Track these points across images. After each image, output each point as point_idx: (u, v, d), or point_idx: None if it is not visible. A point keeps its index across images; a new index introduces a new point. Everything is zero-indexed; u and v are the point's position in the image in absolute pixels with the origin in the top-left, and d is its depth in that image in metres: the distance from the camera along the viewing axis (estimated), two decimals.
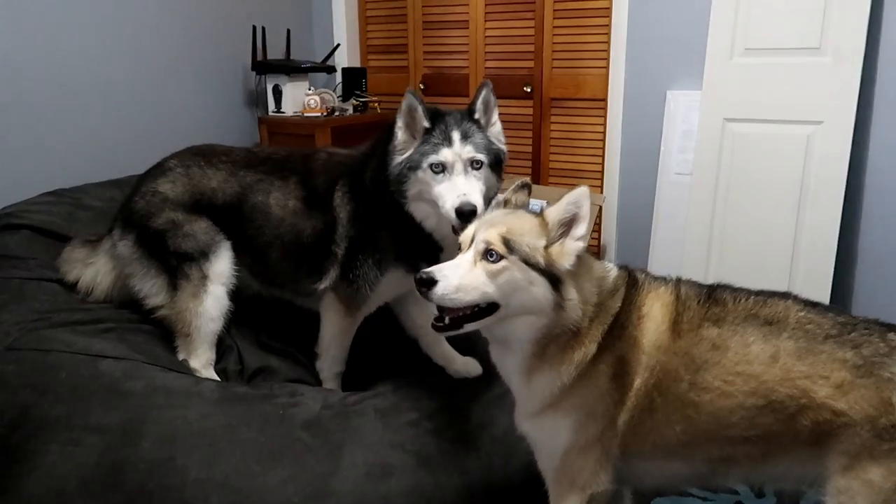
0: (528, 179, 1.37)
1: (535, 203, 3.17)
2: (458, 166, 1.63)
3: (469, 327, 1.19)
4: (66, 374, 1.55)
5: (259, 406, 1.55)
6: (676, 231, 3.10)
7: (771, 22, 2.75)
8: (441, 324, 1.19)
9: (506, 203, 1.33)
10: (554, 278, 1.17)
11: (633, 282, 1.26)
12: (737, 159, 2.87)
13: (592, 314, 1.21)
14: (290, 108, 3.43)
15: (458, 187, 1.59)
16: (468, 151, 1.63)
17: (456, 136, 1.65)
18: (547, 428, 1.25)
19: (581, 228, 1.19)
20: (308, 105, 3.38)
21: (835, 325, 1.16)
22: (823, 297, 2.70)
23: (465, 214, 1.53)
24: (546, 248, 1.18)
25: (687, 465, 1.23)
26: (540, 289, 1.17)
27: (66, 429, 1.46)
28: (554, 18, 3.43)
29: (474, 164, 1.64)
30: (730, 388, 1.14)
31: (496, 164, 1.70)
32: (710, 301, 1.22)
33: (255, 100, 3.54)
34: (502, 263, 1.16)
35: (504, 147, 1.75)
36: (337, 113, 3.47)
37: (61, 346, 1.62)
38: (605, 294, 1.23)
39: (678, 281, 1.29)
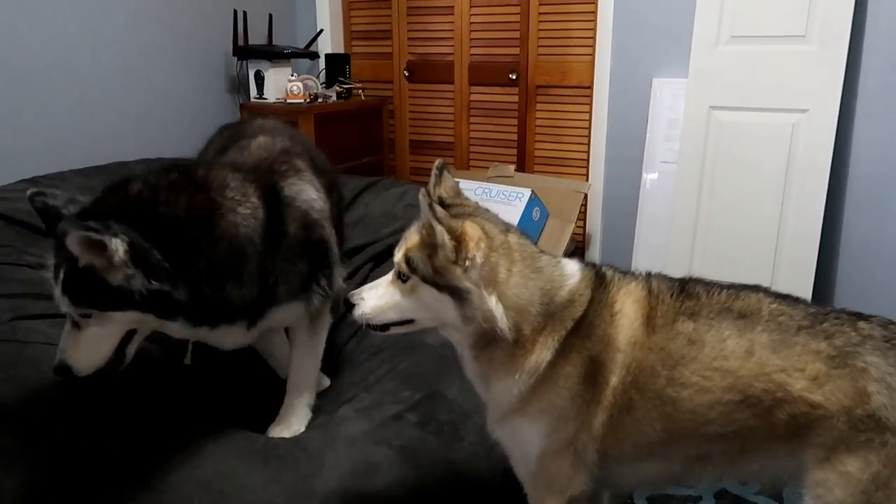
0: (441, 160, 1.26)
1: (519, 191, 3.17)
2: (69, 317, 1.32)
3: (395, 330, 1.24)
4: (46, 368, 1.45)
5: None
6: (662, 219, 3.10)
7: (757, 9, 2.74)
8: (370, 325, 1.23)
9: (441, 201, 1.22)
10: (458, 293, 1.14)
11: (601, 280, 1.24)
12: (722, 147, 2.86)
13: (538, 321, 1.18)
14: (272, 94, 3.37)
15: (61, 340, 1.33)
16: (66, 304, 1.28)
17: (59, 276, 1.28)
18: (517, 434, 1.24)
19: (441, 239, 1.12)
20: (291, 91, 3.33)
21: (806, 315, 1.15)
22: (807, 283, 2.71)
23: (58, 375, 1.32)
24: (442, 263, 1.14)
25: (665, 464, 1.22)
26: (444, 305, 1.16)
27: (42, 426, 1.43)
28: (539, 5, 3.40)
29: (84, 315, 1.29)
30: (708, 384, 1.13)
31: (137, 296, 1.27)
32: (683, 295, 1.20)
33: (237, 86, 3.49)
34: (410, 283, 1.18)
35: (134, 276, 1.25)
36: (320, 100, 3.42)
37: (40, 337, 1.59)
38: (560, 299, 1.20)
39: (648, 275, 1.27)
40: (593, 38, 3.28)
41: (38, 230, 2.00)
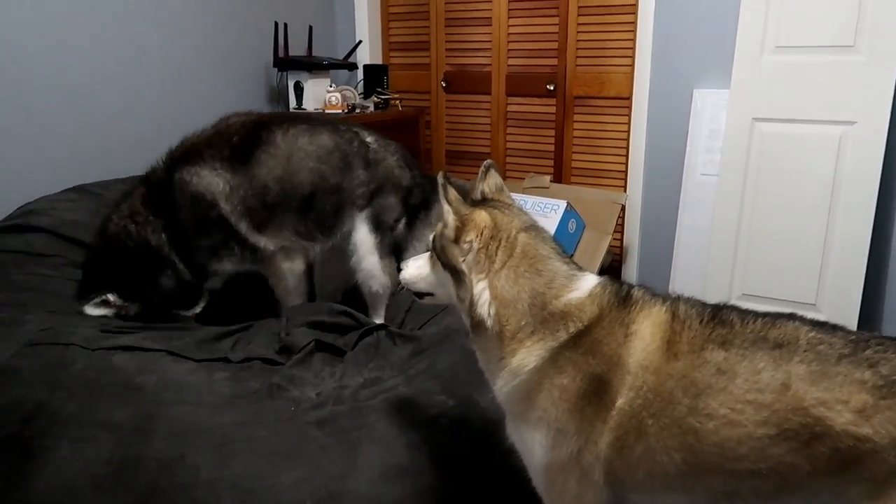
0: (490, 160, 1.37)
1: (555, 203, 3.14)
2: None
3: (427, 300, 1.36)
4: (80, 368, 1.54)
5: (271, 402, 1.53)
6: (701, 233, 3.04)
7: (803, 19, 2.67)
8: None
9: (483, 195, 1.32)
10: (455, 273, 1.21)
11: (624, 299, 1.20)
12: (765, 160, 2.79)
13: (526, 323, 1.17)
14: (311, 104, 3.41)
15: None
16: None
17: None
18: (523, 441, 1.22)
19: (447, 218, 1.20)
20: (329, 102, 3.36)
21: (847, 343, 1.08)
22: (854, 302, 2.62)
23: None
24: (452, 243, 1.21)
25: (687, 499, 1.16)
26: (448, 282, 1.24)
27: (77, 425, 1.45)
28: (578, 15, 3.39)
29: None
30: (738, 417, 1.06)
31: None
32: (714, 322, 1.15)
33: (277, 96, 3.54)
34: (433, 259, 1.28)
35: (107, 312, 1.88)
36: (358, 110, 3.45)
37: (78, 341, 1.61)
38: (553, 308, 1.17)
39: (677, 299, 1.21)
40: (633, 48, 3.25)
41: (82, 242, 2.06)
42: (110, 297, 1.83)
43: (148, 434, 1.43)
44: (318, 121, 2.17)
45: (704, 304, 1.20)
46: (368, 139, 2.11)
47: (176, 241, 1.92)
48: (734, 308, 1.19)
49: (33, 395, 1.51)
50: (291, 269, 2.07)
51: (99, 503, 1.39)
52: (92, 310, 1.82)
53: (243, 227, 1.95)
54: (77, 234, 2.09)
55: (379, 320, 2.13)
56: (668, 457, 1.11)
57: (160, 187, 1.93)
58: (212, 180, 1.91)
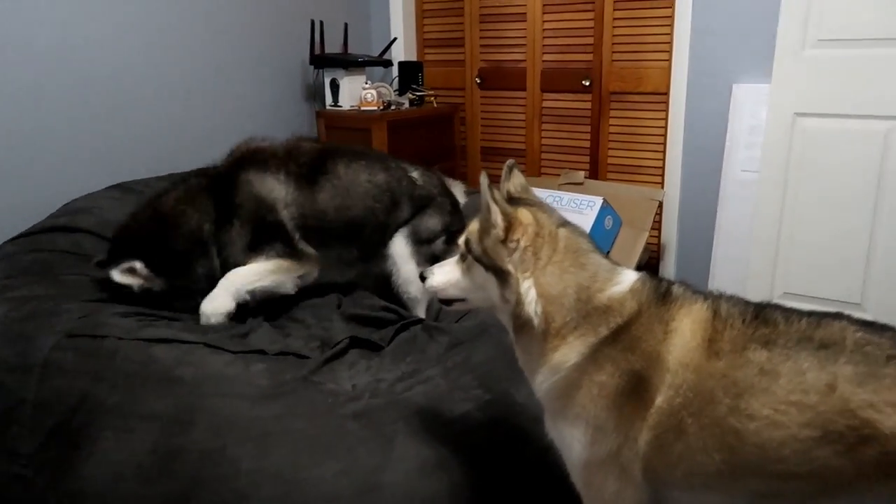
0: (512, 160, 1.35)
1: (591, 199, 3.11)
2: None
3: (456, 306, 1.34)
4: (120, 360, 1.57)
5: (308, 395, 1.54)
6: (741, 231, 2.98)
7: (847, 12, 2.60)
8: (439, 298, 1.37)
9: (508, 194, 1.31)
10: (500, 273, 1.19)
11: (663, 295, 1.18)
12: (808, 156, 2.73)
13: (571, 318, 1.17)
14: (346, 101, 3.44)
15: None
16: None
17: None
18: (562, 437, 1.21)
19: (495, 219, 1.18)
20: (365, 99, 3.38)
21: (895, 344, 1.05)
22: None
23: None
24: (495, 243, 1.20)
25: (727, 499, 1.14)
26: (489, 284, 1.22)
27: (120, 416, 1.49)
28: (614, 10, 3.35)
29: None
30: (781, 418, 1.04)
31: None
32: (757, 321, 1.12)
33: (313, 94, 3.57)
34: (466, 263, 1.26)
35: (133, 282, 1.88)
36: (393, 107, 3.47)
37: (117, 332, 1.65)
38: (597, 302, 1.17)
39: (719, 297, 1.19)
40: (670, 43, 3.20)
41: None
42: (138, 265, 1.83)
43: (189, 425, 1.46)
44: (374, 156, 2.30)
45: (747, 303, 1.18)
46: (414, 174, 2.26)
47: (219, 235, 1.97)
48: (778, 307, 1.16)
49: (77, 386, 1.55)
50: (305, 279, 2.08)
51: (143, 493, 1.42)
52: (118, 276, 1.83)
53: (297, 237, 2.02)
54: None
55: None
56: (707, 456, 1.09)
57: (221, 182, 2.00)
58: (276, 188, 2.01)
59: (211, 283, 1.92)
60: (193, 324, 1.82)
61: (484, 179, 1.19)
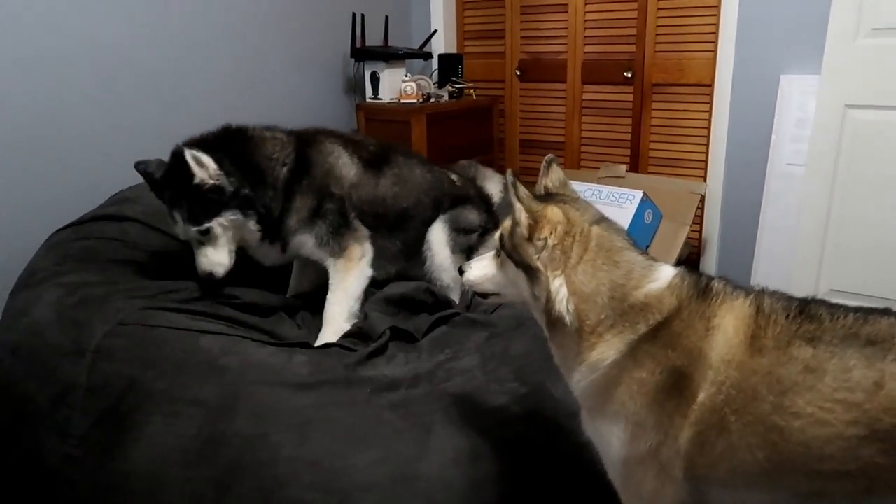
0: (551, 155, 1.36)
1: (630, 193, 3.07)
2: (192, 241, 1.88)
3: (491, 299, 1.37)
4: (168, 349, 1.62)
5: (347, 385, 1.57)
6: (786, 226, 2.92)
7: None
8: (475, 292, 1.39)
9: (546, 190, 1.31)
10: (530, 271, 1.20)
11: (704, 290, 1.17)
12: (858, 150, 2.64)
13: (606, 316, 1.16)
14: (386, 94, 3.46)
15: (196, 259, 1.89)
16: (192, 230, 1.83)
17: (177, 215, 1.83)
18: (600, 435, 1.21)
19: (519, 216, 1.18)
20: (404, 91, 3.40)
21: None
22: None
23: (208, 282, 1.89)
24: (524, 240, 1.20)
25: (770, 497, 1.12)
26: (520, 280, 1.23)
27: (167, 401, 1.53)
28: (658, 0, 3.29)
29: (203, 233, 1.83)
30: (827, 416, 1.02)
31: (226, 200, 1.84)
32: (802, 317, 1.10)
33: (353, 86, 3.60)
34: (500, 258, 1.28)
35: (223, 181, 1.81)
36: (433, 99, 3.47)
37: (165, 323, 1.70)
38: (634, 300, 1.15)
39: (761, 292, 1.17)
40: (715, 33, 3.14)
41: (171, 235, 2.15)
42: (205, 158, 1.78)
43: (232, 412, 1.49)
44: (421, 157, 2.42)
45: (791, 298, 1.16)
46: (454, 177, 2.36)
47: (289, 185, 1.97)
48: (823, 302, 1.14)
49: (127, 372, 1.60)
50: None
51: (187, 476, 1.46)
52: (189, 156, 1.76)
53: (352, 215, 2.06)
54: (165, 225, 2.19)
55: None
56: (750, 454, 1.08)
57: (304, 140, 2.05)
58: (348, 165, 2.08)
59: (271, 225, 1.93)
60: (240, 320, 1.85)
61: (509, 176, 1.19)
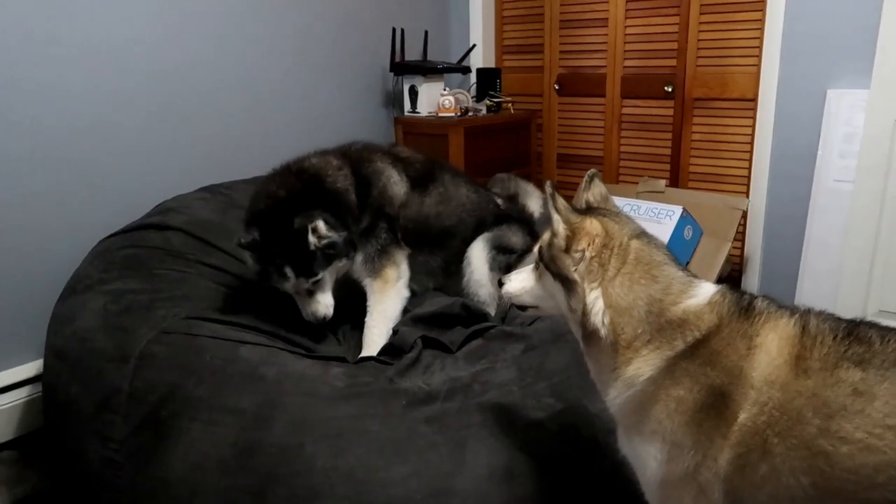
0: (594, 169, 1.36)
1: (670, 209, 3.03)
2: (302, 293, 1.89)
3: (530, 312, 1.37)
4: (209, 358, 1.64)
5: (382, 397, 1.57)
6: (832, 244, 2.84)
7: None
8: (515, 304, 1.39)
9: (588, 204, 1.31)
10: (567, 282, 1.20)
11: (746, 308, 1.14)
12: None
13: (642, 331, 1.14)
14: (424, 108, 3.48)
15: (304, 307, 1.91)
16: (304, 283, 1.85)
17: (288, 271, 1.83)
18: (636, 454, 1.18)
19: (556, 228, 1.19)
20: (443, 105, 3.41)
21: None
22: None
23: (318, 322, 1.90)
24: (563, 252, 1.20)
25: None
26: (557, 292, 1.23)
27: (206, 409, 1.55)
28: (700, 14, 3.26)
29: (314, 283, 1.86)
30: (877, 443, 0.98)
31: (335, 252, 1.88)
32: (850, 339, 1.06)
33: (392, 100, 3.63)
34: (539, 270, 1.28)
35: (334, 236, 1.86)
36: (470, 113, 3.48)
37: (207, 332, 1.73)
38: (671, 315, 1.14)
39: (807, 312, 1.13)
40: (759, 47, 3.08)
41: (213, 244, 2.20)
42: (321, 221, 1.84)
43: (269, 421, 1.50)
44: (467, 177, 2.44)
45: (839, 319, 1.12)
46: (498, 200, 2.42)
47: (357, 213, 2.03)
48: (872, 324, 1.10)
49: (168, 379, 1.63)
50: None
51: (224, 483, 1.47)
52: (316, 232, 1.82)
53: (399, 235, 2.09)
54: (207, 235, 2.24)
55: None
56: (794, 479, 1.04)
57: (356, 160, 2.08)
58: (398, 183, 2.12)
59: (350, 242, 1.96)
60: (279, 333, 1.88)
61: (548, 188, 1.20)
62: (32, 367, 2.25)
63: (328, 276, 1.89)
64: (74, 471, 1.74)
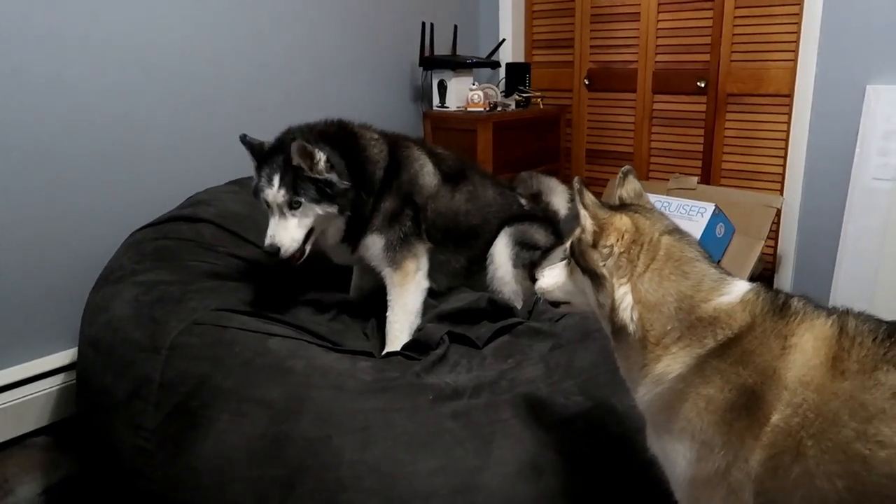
0: (628, 166, 1.34)
1: (702, 206, 2.98)
2: (275, 208, 1.81)
3: (563, 308, 1.36)
4: (238, 349, 1.66)
5: (409, 391, 1.57)
6: (870, 243, 2.77)
7: None
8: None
9: (621, 200, 1.30)
10: (595, 278, 1.19)
11: (781, 308, 1.11)
12: None
13: (672, 328, 1.13)
14: (453, 102, 3.47)
15: (269, 229, 1.82)
16: (282, 195, 1.79)
17: (276, 179, 1.79)
18: (665, 453, 1.16)
19: (584, 223, 1.19)
20: (471, 100, 3.40)
21: None
22: None
23: (269, 256, 1.81)
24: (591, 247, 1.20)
25: None
26: (587, 288, 1.22)
27: (236, 400, 1.57)
28: (735, 8, 3.20)
29: (292, 205, 1.80)
30: None
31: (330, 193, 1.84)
32: (891, 341, 1.03)
33: (421, 95, 3.63)
34: (570, 266, 1.27)
35: (333, 177, 1.83)
36: (499, 108, 3.47)
37: (237, 324, 1.75)
38: (702, 313, 1.12)
39: (846, 312, 1.10)
40: (796, 42, 3.02)
41: (242, 237, 2.21)
42: (321, 154, 1.81)
43: (297, 414, 1.51)
44: (492, 177, 2.45)
45: (879, 321, 1.09)
46: (523, 201, 2.41)
47: (380, 191, 2.00)
48: None
49: (198, 369, 1.65)
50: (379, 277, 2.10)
51: (253, 474, 1.49)
52: (295, 150, 1.77)
53: (423, 227, 2.09)
54: (237, 227, 2.27)
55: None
56: (829, 483, 1.02)
57: (393, 142, 2.10)
58: (431, 174, 2.13)
59: (355, 223, 1.95)
60: (308, 327, 1.89)
61: (576, 183, 1.19)
62: (67, 356, 2.30)
63: (310, 214, 1.82)
64: (106, 458, 1.77)
